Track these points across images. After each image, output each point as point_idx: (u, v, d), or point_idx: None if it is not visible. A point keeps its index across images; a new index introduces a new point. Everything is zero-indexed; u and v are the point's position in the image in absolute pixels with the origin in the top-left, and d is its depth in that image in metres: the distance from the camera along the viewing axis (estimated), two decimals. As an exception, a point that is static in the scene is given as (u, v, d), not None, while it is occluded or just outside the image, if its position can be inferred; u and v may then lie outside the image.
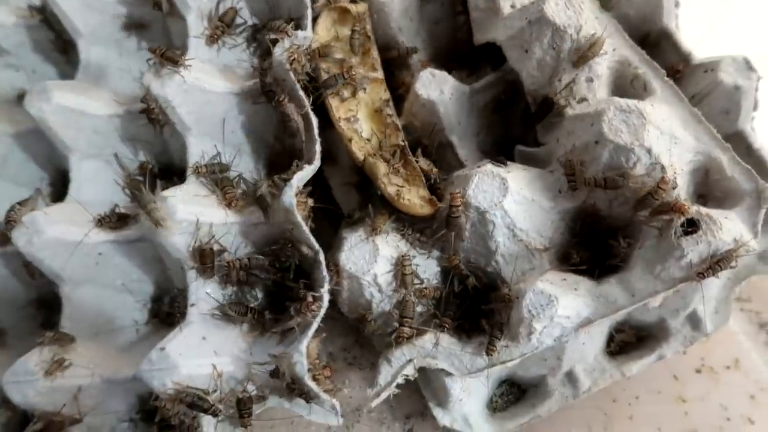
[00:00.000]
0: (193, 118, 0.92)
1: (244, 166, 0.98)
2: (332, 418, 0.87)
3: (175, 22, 1.02)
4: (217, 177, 0.91)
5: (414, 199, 0.93)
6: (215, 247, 0.86)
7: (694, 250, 0.81)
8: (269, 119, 0.95)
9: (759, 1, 1.40)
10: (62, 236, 0.88)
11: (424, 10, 1.10)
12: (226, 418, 0.87)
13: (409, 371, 0.91)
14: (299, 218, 0.83)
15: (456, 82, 1.02)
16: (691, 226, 0.81)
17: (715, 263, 0.80)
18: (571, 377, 0.99)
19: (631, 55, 0.97)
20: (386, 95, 1.02)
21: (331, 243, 0.98)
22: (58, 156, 1.00)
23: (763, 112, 0.99)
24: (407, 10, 1.08)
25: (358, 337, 1.05)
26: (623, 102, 0.86)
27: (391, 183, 0.94)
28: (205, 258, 0.85)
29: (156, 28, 1.06)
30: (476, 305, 0.95)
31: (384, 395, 0.90)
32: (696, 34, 1.04)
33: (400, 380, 0.90)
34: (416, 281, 0.93)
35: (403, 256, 0.92)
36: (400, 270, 0.92)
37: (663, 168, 0.84)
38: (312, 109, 0.90)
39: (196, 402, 0.81)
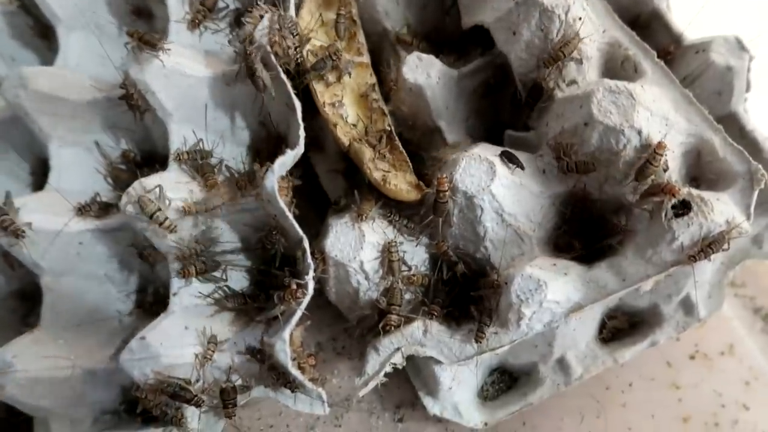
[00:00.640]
0: (173, 104, 0.90)
1: (228, 152, 0.96)
2: (318, 407, 0.86)
3: (157, 6, 1.00)
4: (198, 164, 0.89)
5: (401, 184, 0.92)
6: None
7: (685, 232, 0.80)
8: (253, 104, 0.93)
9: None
10: (41, 226, 0.87)
11: (411, -7, 1.09)
12: (211, 409, 0.86)
13: (397, 360, 0.89)
14: (282, 204, 0.81)
15: (443, 66, 1.00)
16: (683, 208, 0.79)
17: (707, 246, 0.79)
18: (562, 364, 0.97)
19: (621, 37, 0.95)
20: (372, 80, 1.00)
21: (319, 231, 0.97)
22: (38, 144, 0.98)
23: (756, 92, 0.98)
24: (394, -7, 1.06)
25: (347, 326, 1.04)
26: (612, 83, 0.84)
27: (377, 168, 0.92)
28: None
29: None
30: (465, 292, 0.93)
31: (372, 384, 0.88)
32: (687, 14, 1.02)
33: (388, 369, 0.89)
34: (404, 268, 0.92)
35: (389, 242, 0.91)
36: (387, 257, 0.90)
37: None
38: (296, 94, 0.88)
39: (177, 392, 0.80)
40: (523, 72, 0.95)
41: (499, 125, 1.05)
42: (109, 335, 0.92)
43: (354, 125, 0.97)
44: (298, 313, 0.80)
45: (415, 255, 0.94)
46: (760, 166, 0.84)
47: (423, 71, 0.98)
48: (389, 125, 0.97)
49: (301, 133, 0.86)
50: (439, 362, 0.91)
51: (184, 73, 0.89)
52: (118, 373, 0.83)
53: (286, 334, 0.79)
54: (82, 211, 0.90)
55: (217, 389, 0.82)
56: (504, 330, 0.86)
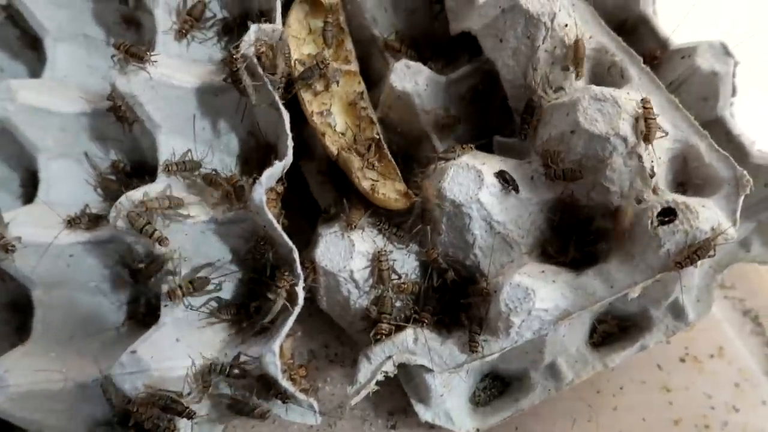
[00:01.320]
0: (162, 115, 0.90)
1: (217, 162, 0.96)
2: (310, 417, 0.86)
3: (145, 17, 1.00)
4: (188, 175, 0.89)
5: (389, 192, 0.92)
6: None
7: (671, 239, 0.80)
8: (241, 114, 0.93)
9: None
10: (31, 239, 0.87)
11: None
12: (203, 420, 0.86)
13: (389, 368, 0.90)
14: (270, 216, 0.81)
15: (431, 72, 1.01)
16: (668, 215, 0.80)
17: (693, 252, 0.79)
18: (553, 369, 0.98)
19: (607, 43, 0.96)
20: (360, 88, 1.00)
21: (310, 239, 0.97)
22: (27, 156, 0.98)
23: (741, 97, 0.98)
24: (382, 0, 1.06)
25: (339, 334, 1.04)
26: (598, 90, 0.85)
27: (365, 177, 0.92)
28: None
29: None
30: (456, 299, 0.94)
31: (364, 393, 0.89)
32: (674, 19, 1.03)
33: (379, 377, 0.89)
34: (394, 276, 0.92)
35: (379, 251, 0.91)
36: (377, 266, 0.90)
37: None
38: (284, 104, 0.88)
39: (169, 405, 0.80)
40: (510, 78, 0.96)
41: (488, 131, 1.05)
42: (102, 347, 0.93)
43: (342, 134, 0.97)
44: (288, 325, 0.81)
45: (405, 263, 0.95)
46: (745, 171, 0.84)
47: (411, 79, 0.99)
48: (378, 133, 0.97)
49: (290, 143, 0.87)
50: (429, 370, 0.91)
51: (171, 84, 0.89)
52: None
53: (276, 346, 0.79)
54: (71, 223, 0.90)
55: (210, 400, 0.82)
56: (494, 338, 0.87)
